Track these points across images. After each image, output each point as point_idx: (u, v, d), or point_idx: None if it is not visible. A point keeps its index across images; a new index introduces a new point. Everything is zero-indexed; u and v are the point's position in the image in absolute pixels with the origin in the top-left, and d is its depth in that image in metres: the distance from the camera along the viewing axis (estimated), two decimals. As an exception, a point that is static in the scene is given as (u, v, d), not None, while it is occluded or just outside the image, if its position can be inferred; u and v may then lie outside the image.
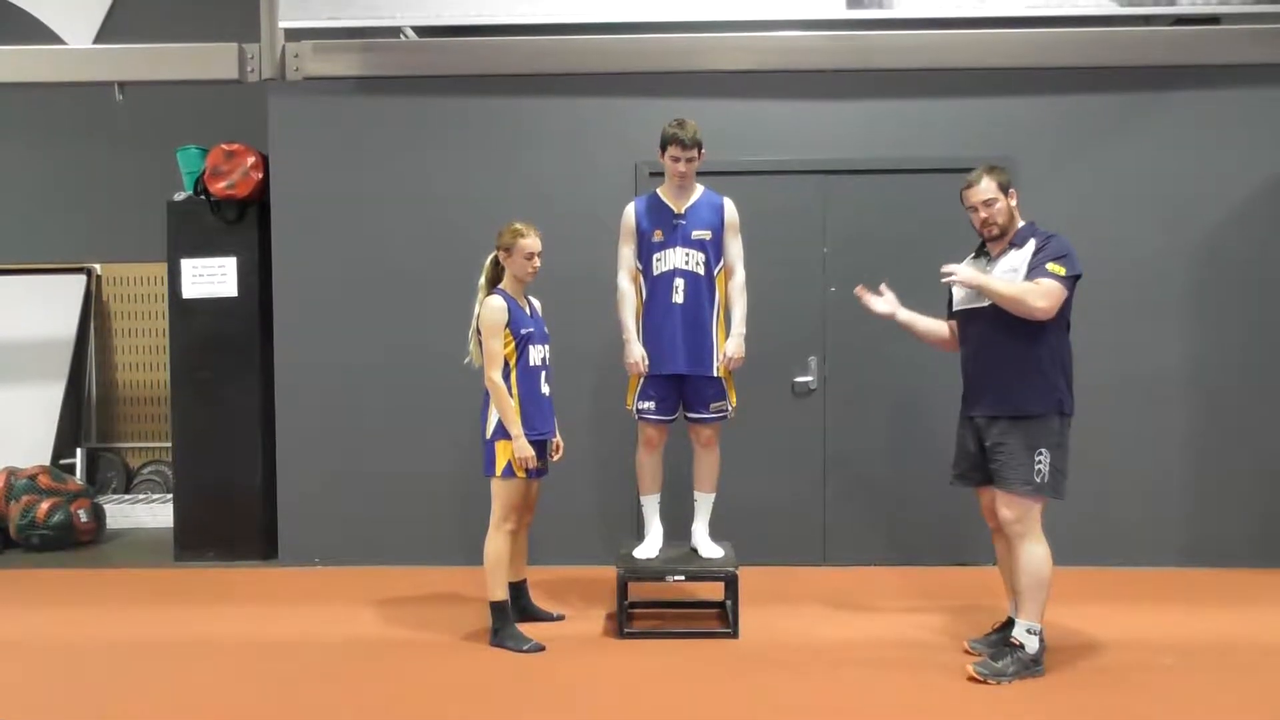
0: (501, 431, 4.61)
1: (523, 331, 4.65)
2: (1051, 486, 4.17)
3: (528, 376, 4.68)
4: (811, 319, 6.11)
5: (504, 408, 4.60)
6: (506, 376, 4.62)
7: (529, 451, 4.60)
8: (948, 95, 6.06)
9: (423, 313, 6.16)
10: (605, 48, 5.94)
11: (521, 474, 4.63)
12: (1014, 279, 4.19)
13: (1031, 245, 4.22)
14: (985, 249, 4.41)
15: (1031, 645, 4.19)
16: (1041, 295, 4.08)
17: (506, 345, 4.61)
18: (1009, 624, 4.36)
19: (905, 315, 4.65)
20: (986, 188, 4.25)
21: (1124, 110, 6.03)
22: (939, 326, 4.64)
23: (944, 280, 4.34)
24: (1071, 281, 4.15)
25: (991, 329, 4.25)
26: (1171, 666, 4.36)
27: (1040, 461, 4.15)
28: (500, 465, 4.62)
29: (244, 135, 6.40)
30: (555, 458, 4.87)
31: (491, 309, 4.62)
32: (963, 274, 4.25)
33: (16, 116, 7.71)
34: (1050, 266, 4.10)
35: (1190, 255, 6.02)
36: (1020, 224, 4.31)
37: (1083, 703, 3.95)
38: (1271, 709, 3.90)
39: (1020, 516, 4.20)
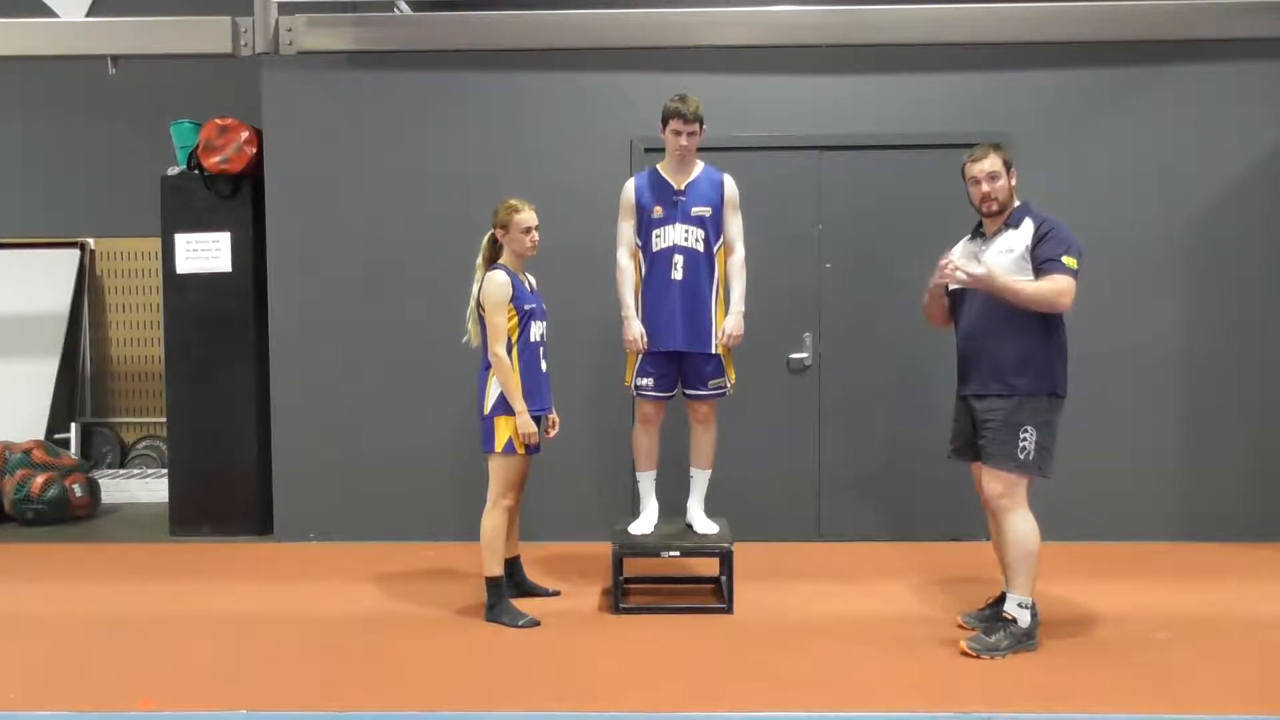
0: (501, 407, 4.60)
1: (525, 307, 4.64)
2: (1037, 464, 4.20)
3: (528, 352, 4.68)
4: (806, 295, 6.11)
5: (508, 383, 4.58)
6: (508, 352, 4.61)
7: (533, 427, 4.61)
8: (943, 70, 6.04)
9: (418, 288, 6.14)
10: (602, 22, 5.90)
11: (522, 450, 4.63)
12: (1009, 259, 4.21)
13: (1027, 227, 4.22)
14: (981, 229, 4.41)
15: (1024, 619, 4.22)
16: (1063, 293, 4.12)
17: (509, 320, 4.60)
18: (1002, 599, 4.39)
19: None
20: (993, 162, 4.26)
21: (1119, 85, 6.02)
22: (945, 301, 4.57)
23: (947, 276, 4.25)
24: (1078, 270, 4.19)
25: (986, 309, 4.26)
26: (1164, 640, 4.39)
27: (1026, 439, 4.17)
28: (500, 441, 4.61)
29: (238, 110, 6.37)
30: (551, 434, 4.87)
31: (496, 284, 4.60)
32: (975, 273, 4.20)
33: (8, 90, 7.65)
34: (1066, 260, 4.13)
35: (1184, 230, 6.02)
36: (1016, 203, 4.33)
37: (1076, 677, 3.98)
38: (1263, 682, 3.93)
39: (1005, 491, 4.22)
